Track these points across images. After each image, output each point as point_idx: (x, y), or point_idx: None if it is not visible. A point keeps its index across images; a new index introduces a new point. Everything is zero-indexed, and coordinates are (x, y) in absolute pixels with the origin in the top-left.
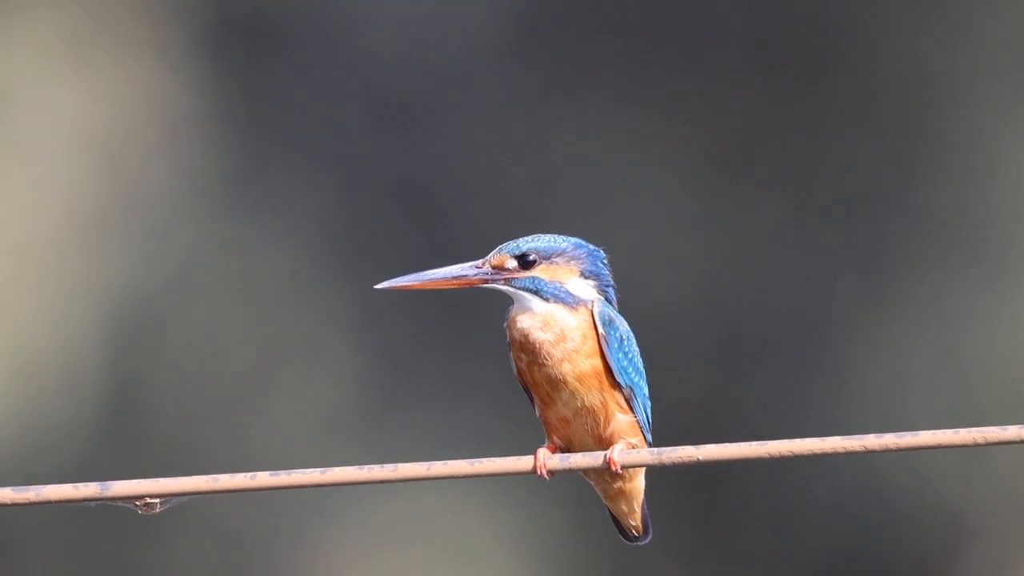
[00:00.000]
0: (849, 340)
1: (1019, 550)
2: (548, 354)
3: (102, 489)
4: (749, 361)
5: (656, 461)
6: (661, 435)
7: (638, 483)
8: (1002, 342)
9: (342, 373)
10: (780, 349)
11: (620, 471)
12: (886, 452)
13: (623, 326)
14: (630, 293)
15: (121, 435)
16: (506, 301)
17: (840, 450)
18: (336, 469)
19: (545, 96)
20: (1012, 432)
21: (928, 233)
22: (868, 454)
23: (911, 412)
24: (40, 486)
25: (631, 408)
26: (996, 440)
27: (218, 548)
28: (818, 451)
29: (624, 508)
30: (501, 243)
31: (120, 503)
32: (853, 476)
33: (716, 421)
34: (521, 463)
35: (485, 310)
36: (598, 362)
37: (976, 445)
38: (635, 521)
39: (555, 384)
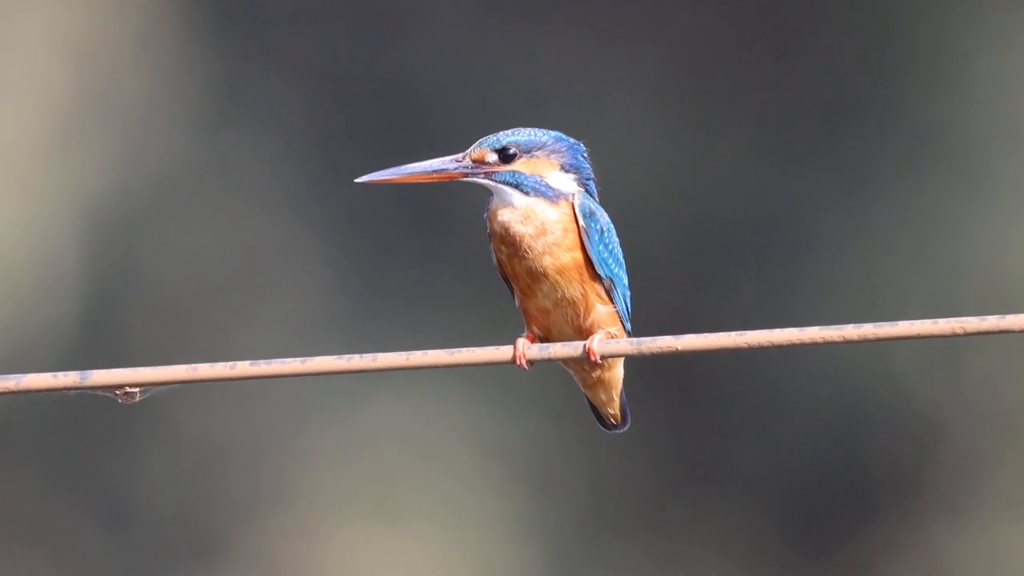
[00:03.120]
0: (825, 245)
1: (992, 454)
2: (529, 247)
3: (82, 378)
4: (726, 264)
5: (635, 351)
6: (640, 334)
7: (617, 372)
8: (978, 245)
9: (320, 278)
10: (757, 252)
11: (599, 361)
12: (864, 342)
13: (603, 218)
14: (609, 192)
15: (99, 337)
16: (484, 195)
17: (819, 339)
18: (316, 359)
19: (527, 3)
20: (990, 322)
21: (900, 139)
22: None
23: (887, 315)
24: (20, 375)
25: (611, 299)
26: (975, 330)
27: (195, 450)
28: (796, 341)
29: (603, 397)
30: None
31: (100, 392)
32: (829, 381)
33: (692, 323)
34: (500, 353)
35: (463, 212)
36: (578, 254)
37: (955, 335)
38: (613, 410)
39: (536, 276)
